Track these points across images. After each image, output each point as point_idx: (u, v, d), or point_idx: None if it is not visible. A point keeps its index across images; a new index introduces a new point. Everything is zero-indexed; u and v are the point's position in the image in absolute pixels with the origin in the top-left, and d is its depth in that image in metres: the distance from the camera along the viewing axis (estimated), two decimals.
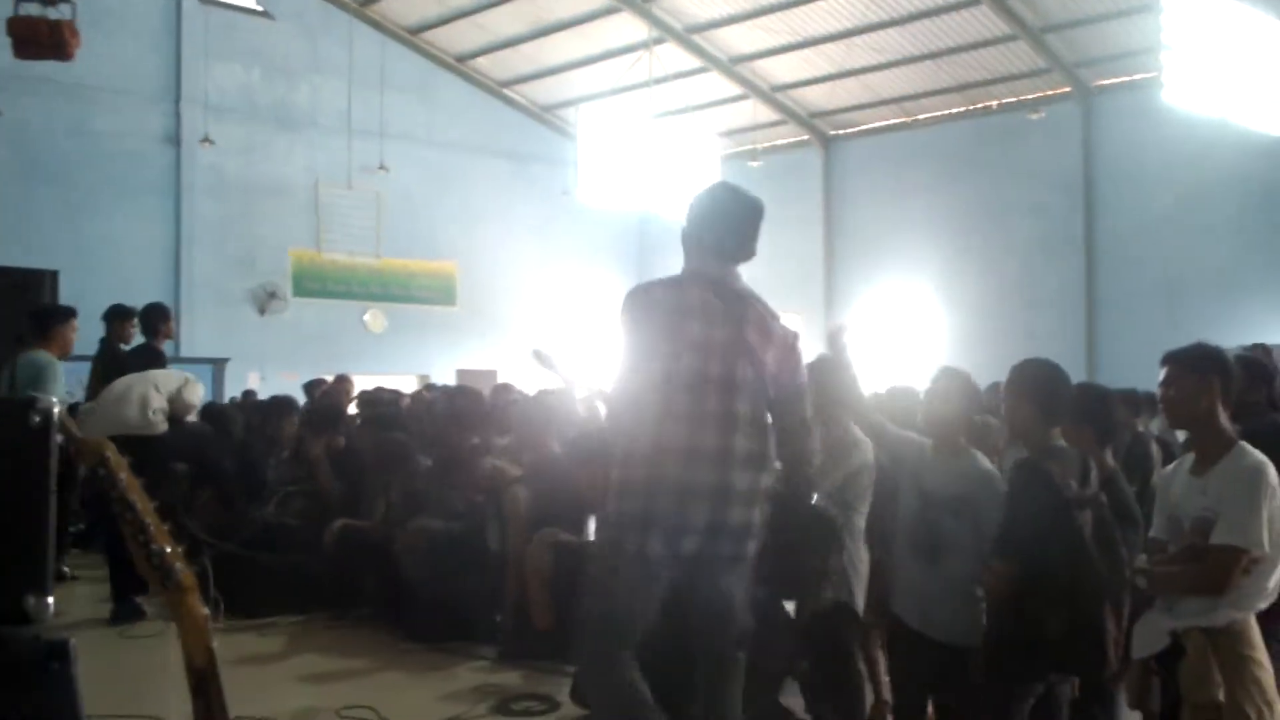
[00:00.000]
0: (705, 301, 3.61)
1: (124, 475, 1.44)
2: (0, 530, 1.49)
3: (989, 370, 7.37)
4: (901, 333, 18.51)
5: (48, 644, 1.52)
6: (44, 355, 7.59)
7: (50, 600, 1.51)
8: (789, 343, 3.72)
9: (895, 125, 19.64)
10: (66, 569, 8.36)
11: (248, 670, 6.09)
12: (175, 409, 7.74)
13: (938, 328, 18.26)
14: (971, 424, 4.30)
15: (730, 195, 3.83)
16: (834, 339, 4.40)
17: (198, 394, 8.10)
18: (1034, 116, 17.71)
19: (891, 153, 19.55)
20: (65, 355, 7.84)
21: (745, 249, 3.76)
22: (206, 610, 1.49)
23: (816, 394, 4.19)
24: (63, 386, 7.79)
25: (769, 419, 3.65)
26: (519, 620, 6.04)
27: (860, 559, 4.60)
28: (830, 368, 4.33)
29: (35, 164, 16.45)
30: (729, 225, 3.72)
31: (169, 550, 1.45)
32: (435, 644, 6.37)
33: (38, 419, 1.49)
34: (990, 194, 18.03)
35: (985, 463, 4.08)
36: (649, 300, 3.67)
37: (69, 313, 8.08)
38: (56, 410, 1.51)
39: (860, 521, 4.62)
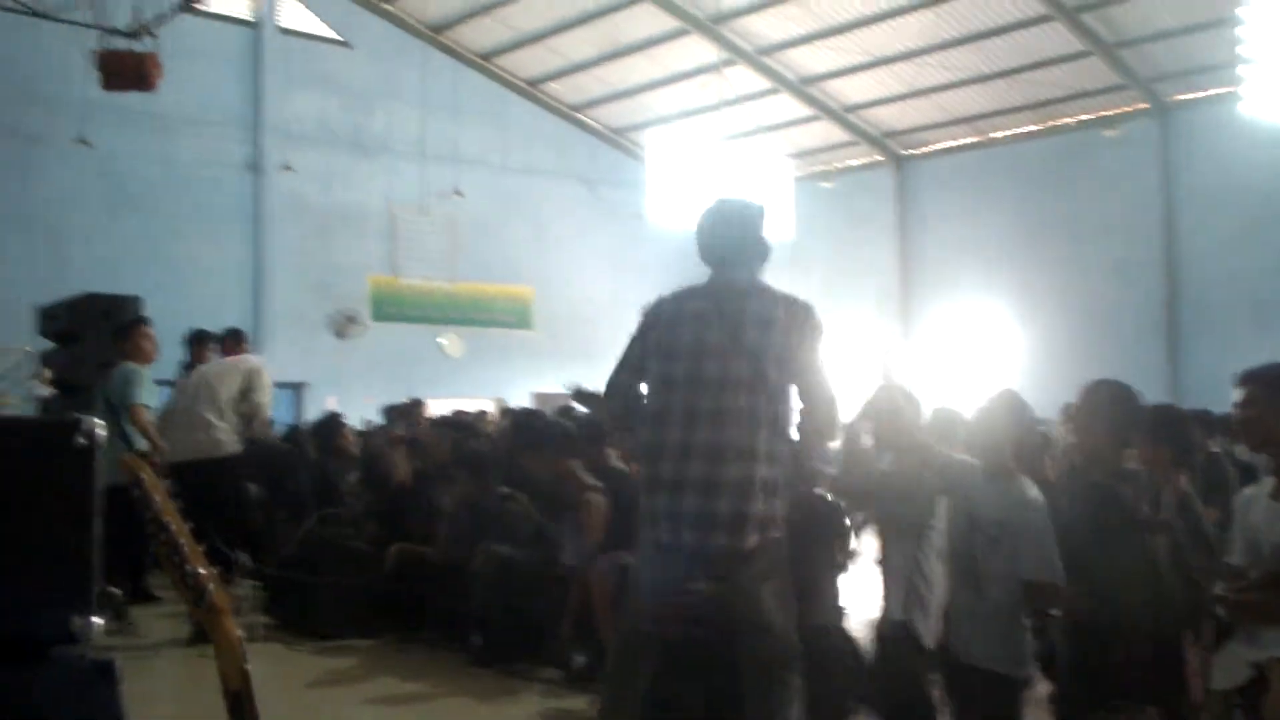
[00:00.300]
0: (700, 309, 3.83)
1: (158, 496, 1.45)
2: (45, 552, 1.50)
3: (1066, 391, 7.24)
4: (977, 352, 18.27)
5: (93, 664, 1.53)
6: (128, 366, 7.91)
7: (96, 620, 1.53)
8: (796, 322, 3.80)
9: (968, 144, 19.42)
10: (114, 590, 8.34)
11: (318, 692, 6.15)
12: (244, 412, 7.71)
13: (1014, 347, 17.98)
14: (1022, 446, 4.20)
15: (722, 207, 4.05)
16: (884, 364, 4.42)
17: (264, 386, 7.91)
18: (1110, 133, 17.42)
19: (965, 172, 19.33)
20: (149, 361, 8.08)
21: (748, 252, 3.94)
22: (241, 632, 1.50)
23: (879, 422, 4.25)
24: (152, 392, 7.99)
25: (772, 415, 3.73)
26: (587, 641, 6.04)
27: (936, 581, 4.53)
28: (887, 397, 4.32)
29: (122, 193, 16.90)
30: (725, 235, 3.95)
31: (202, 571, 1.46)
32: (503, 667, 6.38)
33: (82, 440, 1.51)
34: (1066, 212, 17.74)
35: (1030, 489, 3.99)
36: (657, 311, 3.95)
37: (138, 321, 8.35)
38: (100, 432, 1.53)
39: (935, 541, 4.56)
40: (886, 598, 4.69)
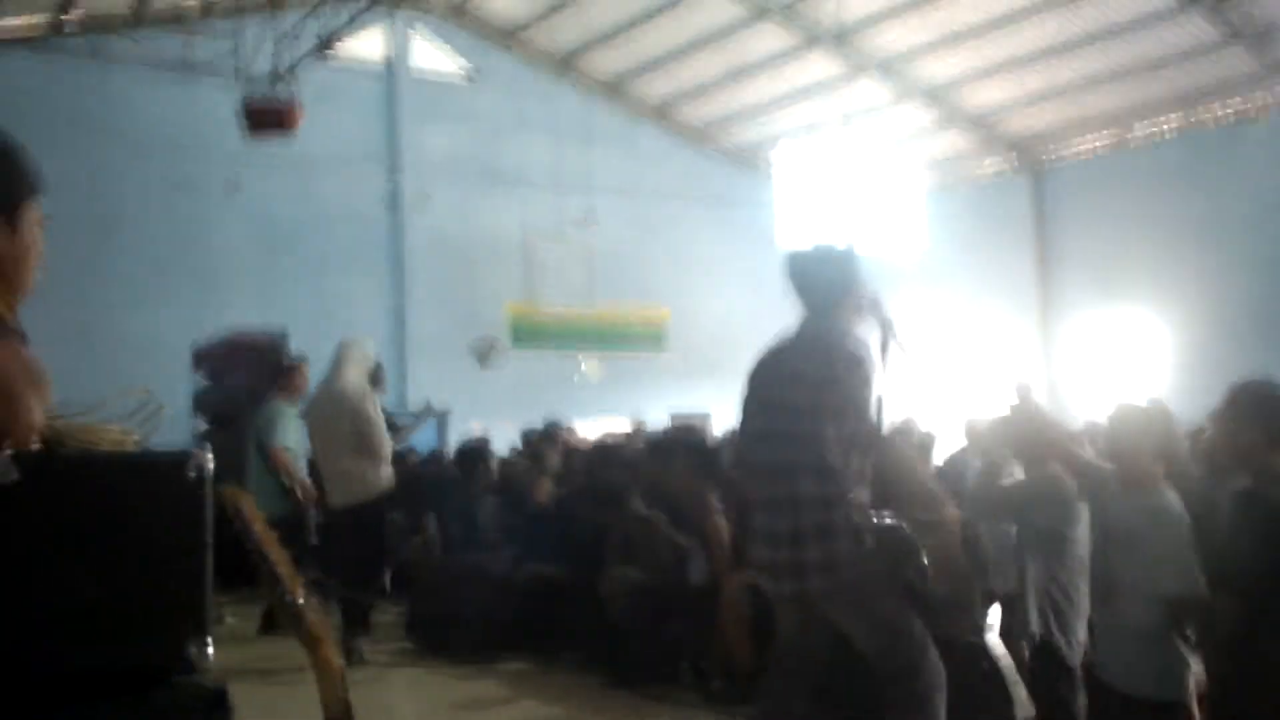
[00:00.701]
0: (773, 366, 4.04)
1: (257, 526, 1.50)
2: (162, 582, 1.57)
3: (1219, 396, 6.95)
4: (1124, 358, 17.64)
5: (209, 691, 1.59)
6: (274, 404, 8.27)
7: (210, 649, 1.58)
8: (844, 375, 3.85)
9: (1106, 145, 18.77)
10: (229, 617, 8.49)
11: (460, 716, 6.26)
12: (369, 454, 7.63)
13: (1163, 352, 17.30)
14: (1164, 454, 4.04)
15: (802, 255, 4.16)
16: (1022, 393, 4.42)
17: (370, 429, 7.56)
18: (1259, 125, 16.66)
19: (1104, 174, 18.67)
20: (298, 396, 8.39)
21: (831, 297, 4.02)
22: (341, 661, 1.53)
23: (1015, 437, 4.26)
24: (293, 430, 8.28)
25: (823, 465, 3.81)
26: (723, 662, 6.02)
27: (1077, 595, 4.41)
28: (1024, 415, 4.30)
29: (270, 234, 17.54)
30: (806, 284, 4.07)
31: (303, 600, 1.50)
32: (642, 688, 6.39)
33: (193, 473, 1.57)
34: (1214, 210, 16.98)
35: (1167, 497, 3.83)
36: (754, 366, 4.14)
37: (295, 360, 8.71)
38: (210, 464, 1.59)
39: (1076, 553, 4.44)
40: (1026, 612, 4.57)
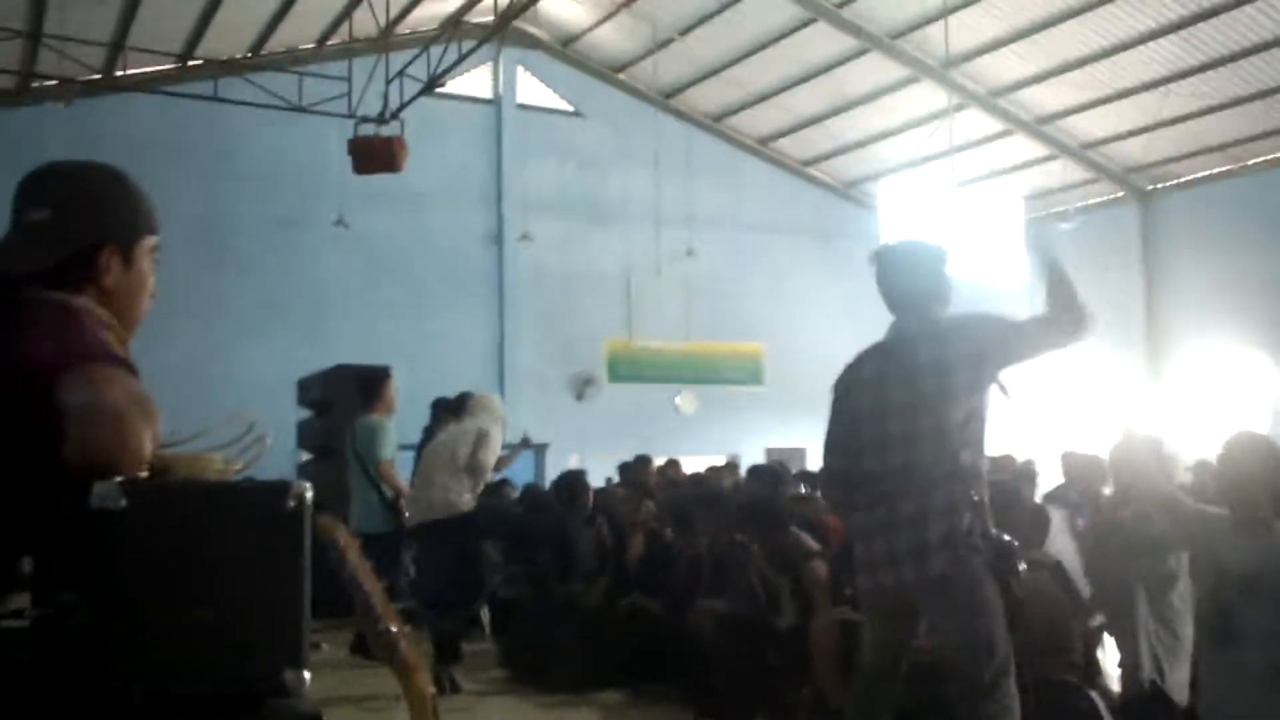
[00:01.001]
0: (877, 370, 3.93)
1: (353, 556, 1.53)
2: (260, 608, 1.61)
3: None
4: (1234, 395, 17.03)
5: (305, 716, 1.62)
6: (373, 418, 8.42)
7: (307, 674, 1.62)
8: (972, 345, 3.79)
9: (1220, 174, 18.22)
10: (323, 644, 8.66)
11: None
12: (472, 469, 7.73)
13: (1273, 391, 16.65)
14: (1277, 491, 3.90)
15: (892, 252, 4.09)
16: (1127, 432, 4.35)
17: (489, 445, 7.80)
18: None
19: (1217, 204, 18.10)
20: (391, 411, 8.58)
21: (923, 296, 3.96)
22: (434, 689, 1.55)
23: (1122, 472, 4.21)
24: (393, 443, 8.44)
25: (957, 459, 3.75)
26: (817, 696, 5.95)
27: (1183, 636, 4.32)
28: (1129, 450, 4.21)
29: (377, 268, 17.95)
30: (897, 281, 3.98)
31: (395, 629, 1.53)
32: None
33: (292, 503, 1.62)
34: None
35: None
36: (843, 377, 4.07)
37: (384, 374, 8.85)
38: (309, 494, 1.63)
39: (1180, 592, 4.34)
40: (1132, 654, 4.46)
